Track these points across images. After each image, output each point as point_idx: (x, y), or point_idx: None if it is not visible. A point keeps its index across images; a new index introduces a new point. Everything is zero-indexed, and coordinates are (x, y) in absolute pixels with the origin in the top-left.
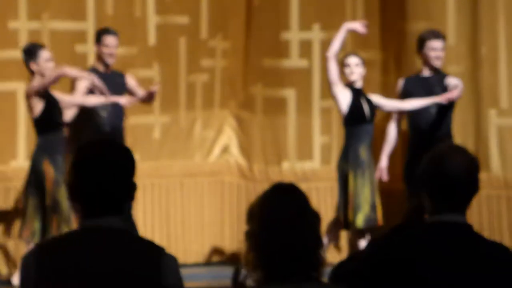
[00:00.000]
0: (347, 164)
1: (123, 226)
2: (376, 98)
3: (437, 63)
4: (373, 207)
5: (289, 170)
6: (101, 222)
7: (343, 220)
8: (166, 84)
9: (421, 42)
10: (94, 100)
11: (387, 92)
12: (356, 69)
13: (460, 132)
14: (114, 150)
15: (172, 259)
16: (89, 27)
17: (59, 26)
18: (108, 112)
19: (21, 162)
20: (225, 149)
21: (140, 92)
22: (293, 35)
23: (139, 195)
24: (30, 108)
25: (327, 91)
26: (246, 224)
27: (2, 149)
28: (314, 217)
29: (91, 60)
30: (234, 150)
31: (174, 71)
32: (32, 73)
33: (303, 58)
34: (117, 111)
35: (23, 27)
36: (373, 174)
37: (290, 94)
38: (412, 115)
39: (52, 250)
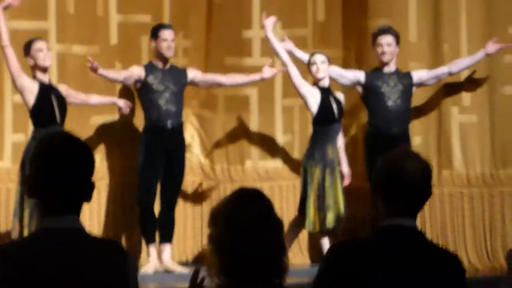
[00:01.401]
0: (314, 162)
1: (81, 226)
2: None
3: (384, 58)
4: (342, 207)
5: (252, 169)
6: (60, 222)
7: (304, 219)
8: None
9: (373, 38)
10: (96, 100)
11: (348, 90)
12: (322, 66)
13: (423, 130)
14: (74, 146)
15: (134, 259)
16: (51, 26)
17: (20, 25)
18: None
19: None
20: (187, 148)
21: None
22: (255, 34)
23: (101, 194)
24: (24, 100)
25: (290, 89)
26: (208, 227)
27: None
28: (278, 223)
29: (52, 59)
30: (196, 149)
31: None
32: (32, 68)
33: (265, 57)
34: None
35: None
36: (339, 174)
37: (252, 93)
38: (371, 112)
39: (12, 253)
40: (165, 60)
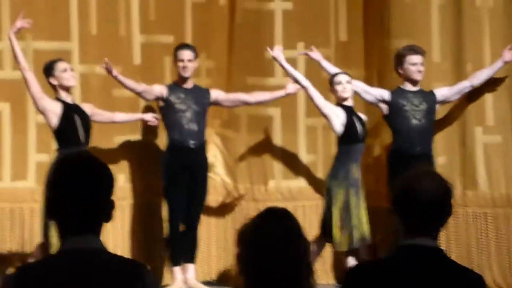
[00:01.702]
0: (338, 182)
1: (101, 246)
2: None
3: (418, 77)
4: (366, 226)
5: (275, 189)
6: (81, 243)
7: (330, 239)
8: (151, 103)
9: (400, 58)
10: (122, 117)
11: (370, 110)
12: (348, 86)
13: (447, 150)
14: (93, 166)
15: (153, 278)
16: (73, 47)
17: (43, 46)
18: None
19: (6, 184)
20: (210, 168)
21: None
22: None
23: (125, 214)
24: (47, 121)
25: (313, 109)
26: (236, 246)
27: None
28: (305, 243)
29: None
30: (219, 168)
31: None
32: (55, 89)
33: (287, 77)
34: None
35: (7, 47)
36: (363, 193)
37: (275, 113)
38: (394, 131)
39: (32, 274)
40: (184, 79)
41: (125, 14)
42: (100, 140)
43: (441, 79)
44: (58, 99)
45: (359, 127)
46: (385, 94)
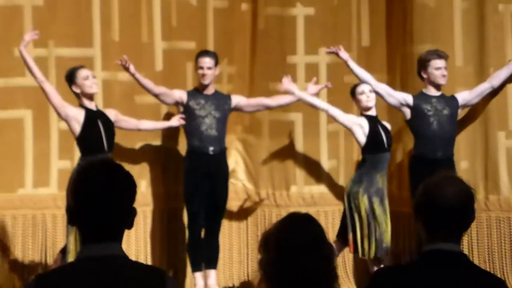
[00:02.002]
0: (362, 190)
1: (123, 253)
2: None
3: (442, 81)
4: (389, 235)
5: (297, 194)
6: (101, 250)
7: (354, 246)
8: (173, 109)
9: (424, 63)
10: (147, 125)
11: (393, 115)
12: (371, 95)
13: (469, 155)
14: (115, 174)
15: (176, 285)
16: (96, 53)
17: (66, 52)
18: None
19: (28, 190)
20: (232, 174)
21: (254, 101)
22: (299, 59)
23: (147, 220)
24: (70, 128)
25: None
26: (260, 252)
27: (10, 177)
28: (329, 248)
29: (98, 87)
30: (241, 174)
31: None
32: (78, 97)
33: (309, 82)
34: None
35: (29, 54)
36: (387, 203)
37: (297, 118)
38: (417, 135)
39: (53, 281)
40: (205, 86)
41: (147, 21)
42: (122, 146)
43: (463, 84)
44: (82, 106)
45: (384, 136)
46: (409, 98)
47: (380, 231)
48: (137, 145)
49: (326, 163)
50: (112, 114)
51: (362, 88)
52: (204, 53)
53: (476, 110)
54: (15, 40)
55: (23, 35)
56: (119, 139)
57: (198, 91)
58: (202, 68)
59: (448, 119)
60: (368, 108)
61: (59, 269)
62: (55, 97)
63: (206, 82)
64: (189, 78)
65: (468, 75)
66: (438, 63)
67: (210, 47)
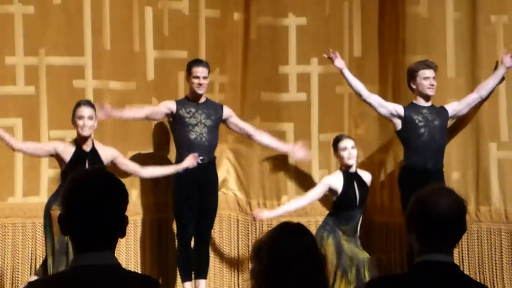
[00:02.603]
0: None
1: (116, 262)
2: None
3: (430, 92)
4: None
5: None
6: (94, 259)
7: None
8: (165, 119)
9: (412, 73)
10: (151, 172)
11: (384, 125)
12: (353, 152)
13: (461, 166)
14: (106, 182)
15: None
16: (87, 62)
17: (57, 61)
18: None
19: (18, 199)
20: (223, 183)
21: (242, 125)
22: (292, 69)
23: (137, 230)
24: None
25: (326, 125)
26: (251, 261)
27: (0, 186)
28: (321, 258)
29: (89, 95)
30: (232, 184)
31: None
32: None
33: (301, 92)
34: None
35: (20, 62)
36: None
37: (288, 128)
38: (407, 146)
39: None
40: (199, 95)
41: (139, 30)
42: None
43: (455, 95)
44: (75, 141)
45: (358, 193)
46: (400, 109)
47: (358, 260)
48: (128, 154)
49: (317, 173)
50: (108, 153)
51: (344, 144)
52: (199, 62)
53: (467, 121)
54: (6, 48)
55: (14, 44)
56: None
57: (188, 99)
58: (198, 77)
59: (438, 130)
60: (348, 166)
61: (52, 278)
62: (39, 150)
63: (202, 91)
64: (181, 87)
65: (460, 87)
66: (426, 73)
67: (202, 56)
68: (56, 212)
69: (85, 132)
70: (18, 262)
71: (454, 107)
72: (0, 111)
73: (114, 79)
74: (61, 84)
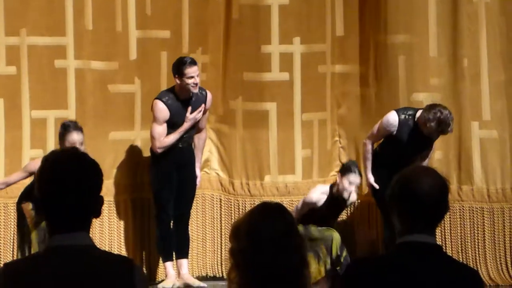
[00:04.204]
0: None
1: (91, 242)
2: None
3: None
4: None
5: (271, 184)
6: (68, 240)
7: None
8: (148, 99)
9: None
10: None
11: (365, 105)
12: (354, 190)
13: (443, 145)
14: (81, 163)
15: (142, 273)
16: (69, 41)
17: (38, 41)
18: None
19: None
20: (206, 163)
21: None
22: (274, 48)
23: (120, 210)
24: None
25: (308, 104)
26: (230, 241)
27: None
28: (300, 238)
29: (71, 75)
30: (215, 164)
31: (156, 85)
32: None
33: (283, 72)
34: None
35: (1, 42)
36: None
37: (271, 108)
38: (387, 143)
39: (20, 270)
40: (189, 94)
41: (122, 9)
42: (96, 137)
43: (437, 74)
44: None
45: (331, 213)
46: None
47: (325, 238)
48: (109, 134)
49: (300, 153)
50: None
51: (354, 179)
52: (190, 62)
53: (449, 101)
54: None
55: None
56: (91, 128)
57: (178, 98)
58: (192, 77)
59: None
60: (342, 196)
61: (27, 258)
62: (20, 176)
63: (196, 91)
64: (163, 67)
65: (442, 66)
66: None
67: (185, 36)
68: (27, 205)
69: None
70: (0, 242)
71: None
72: None
73: (96, 59)
74: (42, 64)
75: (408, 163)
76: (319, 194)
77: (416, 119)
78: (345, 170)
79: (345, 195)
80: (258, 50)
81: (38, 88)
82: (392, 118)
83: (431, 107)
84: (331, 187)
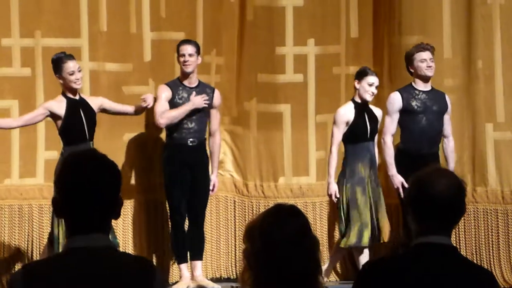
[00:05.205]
0: (345, 180)
1: (110, 244)
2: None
3: (429, 73)
4: (376, 225)
5: (285, 185)
6: (87, 241)
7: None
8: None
9: (410, 57)
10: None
11: (380, 106)
12: (375, 91)
13: (457, 147)
14: (100, 164)
15: (162, 275)
16: (83, 43)
17: (53, 43)
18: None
19: (15, 181)
20: (220, 165)
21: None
22: (288, 50)
23: (134, 211)
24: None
25: (323, 106)
26: (244, 242)
27: None
28: (314, 240)
29: (85, 76)
30: (229, 165)
31: None
32: (62, 85)
33: (298, 73)
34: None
35: (16, 44)
36: (376, 191)
37: (285, 109)
38: (404, 130)
39: (40, 272)
40: (186, 75)
41: (136, 11)
42: (110, 138)
43: (451, 75)
44: (64, 94)
45: (369, 125)
46: (399, 104)
47: (363, 221)
48: (124, 136)
49: (314, 154)
50: (96, 101)
51: (372, 80)
52: (185, 41)
53: (464, 102)
54: (2, 29)
55: (10, 25)
56: (105, 130)
57: (180, 82)
58: (183, 55)
59: (437, 116)
60: (365, 101)
61: (46, 260)
62: (33, 118)
63: (189, 70)
64: (177, 68)
65: (456, 67)
66: (422, 55)
67: (199, 38)
68: None
69: (77, 85)
70: (14, 244)
71: (448, 110)
72: None
73: (110, 61)
74: None
75: (433, 146)
76: (343, 108)
77: (412, 82)
78: (360, 74)
79: (367, 97)
80: (273, 51)
81: (53, 89)
82: (392, 94)
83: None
84: (352, 99)
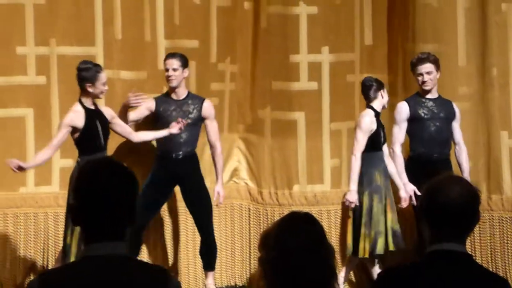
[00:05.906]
0: (362, 189)
1: (126, 252)
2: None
3: (425, 87)
4: (393, 233)
5: (300, 193)
6: (104, 249)
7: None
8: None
9: (412, 68)
10: (141, 137)
11: (393, 114)
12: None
13: (472, 154)
14: (117, 172)
15: (177, 284)
16: (98, 51)
17: (68, 51)
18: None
19: (30, 189)
20: (234, 173)
21: (212, 124)
22: (302, 58)
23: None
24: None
25: (337, 113)
26: (259, 250)
27: (12, 176)
28: (329, 248)
29: None
30: (244, 173)
31: None
32: (82, 91)
33: (312, 81)
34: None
35: (31, 52)
36: (391, 200)
37: (299, 117)
38: (413, 137)
39: (55, 281)
40: (172, 89)
41: (150, 19)
42: (122, 146)
43: (466, 83)
44: (81, 103)
45: (383, 134)
46: (406, 114)
47: (378, 229)
48: (136, 145)
49: (328, 162)
50: (108, 113)
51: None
52: (170, 55)
53: (478, 109)
54: (17, 38)
55: (24, 34)
56: (120, 138)
57: (168, 96)
58: (167, 70)
59: (445, 122)
60: (383, 107)
61: (63, 268)
62: (60, 140)
63: (173, 84)
64: (192, 76)
65: (471, 75)
66: (419, 69)
67: (213, 45)
68: None
69: (103, 95)
70: (30, 252)
71: (457, 118)
72: (12, 101)
73: (125, 69)
74: (72, 74)
75: (443, 151)
76: (368, 118)
77: (419, 91)
78: (380, 84)
79: (386, 104)
80: (287, 59)
81: (68, 97)
82: (399, 104)
83: None
84: (371, 108)
